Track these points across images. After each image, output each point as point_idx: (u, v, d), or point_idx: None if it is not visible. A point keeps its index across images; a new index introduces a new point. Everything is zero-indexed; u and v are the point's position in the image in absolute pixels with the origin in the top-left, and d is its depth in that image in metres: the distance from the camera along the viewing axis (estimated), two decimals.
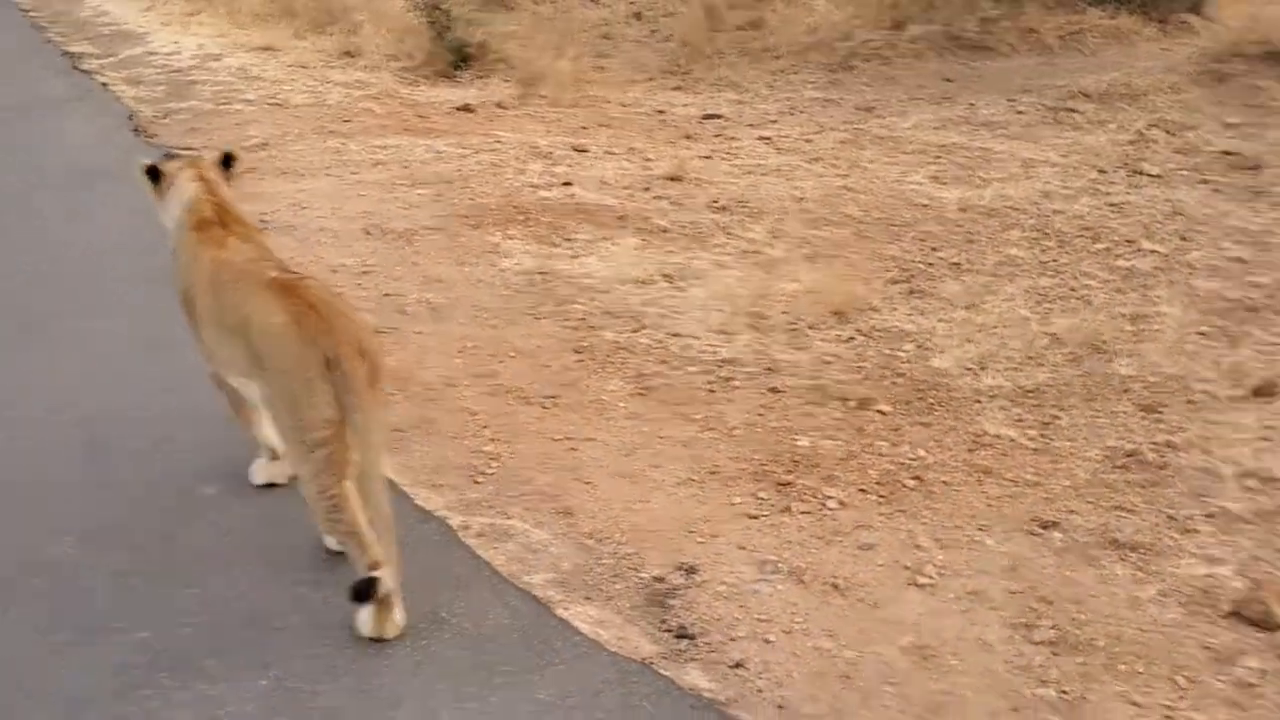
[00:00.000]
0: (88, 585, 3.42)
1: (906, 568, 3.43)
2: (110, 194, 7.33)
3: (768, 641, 3.12)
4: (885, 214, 6.60)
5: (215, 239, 3.55)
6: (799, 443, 4.17)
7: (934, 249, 6.04)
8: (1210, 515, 3.64)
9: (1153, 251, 5.83)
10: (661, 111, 9.32)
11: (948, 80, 9.63)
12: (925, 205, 6.71)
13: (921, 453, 4.09)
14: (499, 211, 6.70)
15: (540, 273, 5.79)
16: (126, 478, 4.01)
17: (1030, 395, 4.47)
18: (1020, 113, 8.52)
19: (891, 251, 6.04)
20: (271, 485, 3.90)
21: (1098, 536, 3.55)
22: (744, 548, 3.55)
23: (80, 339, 5.15)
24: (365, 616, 3.12)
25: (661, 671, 3.00)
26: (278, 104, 9.78)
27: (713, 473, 3.99)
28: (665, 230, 6.39)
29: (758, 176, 7.38)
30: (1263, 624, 3.13)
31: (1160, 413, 4.28)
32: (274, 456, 3.86)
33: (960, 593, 3.31)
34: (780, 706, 2.88)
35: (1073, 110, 8.39)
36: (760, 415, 4.39)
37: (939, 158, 7.64)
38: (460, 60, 10.87)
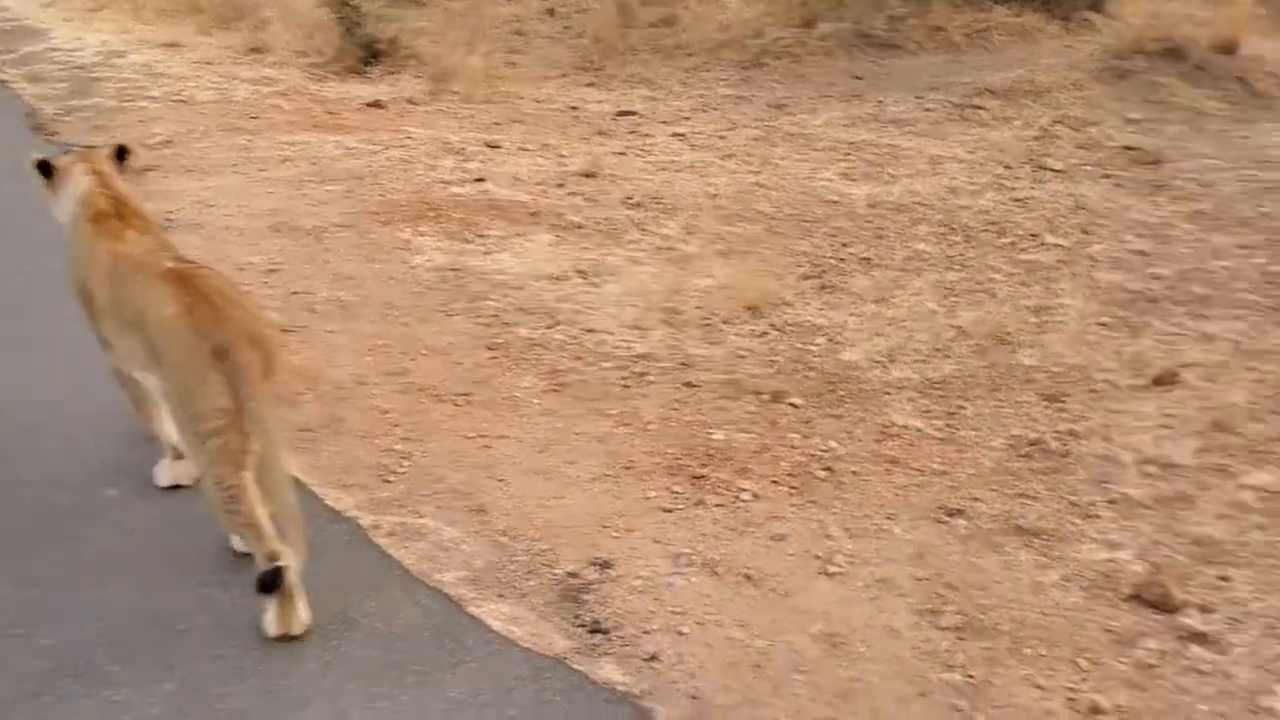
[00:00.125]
0: None
1: (817, 557, 3.47)
2: (8, 195, 7.11)
3: (681, 634, 3.14)
4: (797, 210, 6.66)
5: (112, 231, 3.49)
6: (713, 436, 4.19)
7: (844, 245, 6.11)
8: (1111, 501, 3.73)
9: (1056, 245, 5.96)
10: (575, 108, 9.30)
11: (857, 78, 9.74)
12: (836, 202, 6.79)
13: (832, 444, 4.14)
14: (410, 208, 6.64)
15: (452, 269, 5.74)
16: (29, 479, 3.90)
17: (937, 386, 4.55)
18: (928, 110, 8.65)
19: (803, 247, 6.10)
20: (177, 486, 3.82)
21: (1002, 523, 3.62)
22: (658, 541, 3.56)
23: None
24: (270, 616, 3.08)
25: (575, 666, 3.00)
26: (183, 101, 9.57)
27: (627, 468, 4.00)
28: (579, 226, 6.38)
29: (672, 173, 7.40)
30: (1162, 606, 3.21)
31: (1063, 402, 4.38)
32: (178, 457, 3.78)
33: (869, 581, 3.35)
34: (693, 697, 2.90)
35: (979, 107, 8.55)
36: (675, 410, 4.40)
37: (849, 155, 7.73)
38: (371, 56, 10.73)
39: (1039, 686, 2.93)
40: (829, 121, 8.58)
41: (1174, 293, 5.34)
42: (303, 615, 3.10)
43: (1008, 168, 7.25)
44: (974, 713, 2.85)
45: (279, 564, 3.02)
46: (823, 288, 5.56)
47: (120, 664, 3.01)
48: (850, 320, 5.17)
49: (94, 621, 3.18)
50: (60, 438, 4.16)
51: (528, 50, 11.20)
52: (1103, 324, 5.04)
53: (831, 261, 5.88)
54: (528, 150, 7.94)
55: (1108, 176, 7.03)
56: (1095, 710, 2.84)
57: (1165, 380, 4.49)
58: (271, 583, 3.03)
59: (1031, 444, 4.09)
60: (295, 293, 5.44)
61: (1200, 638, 3.09)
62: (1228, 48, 8.75)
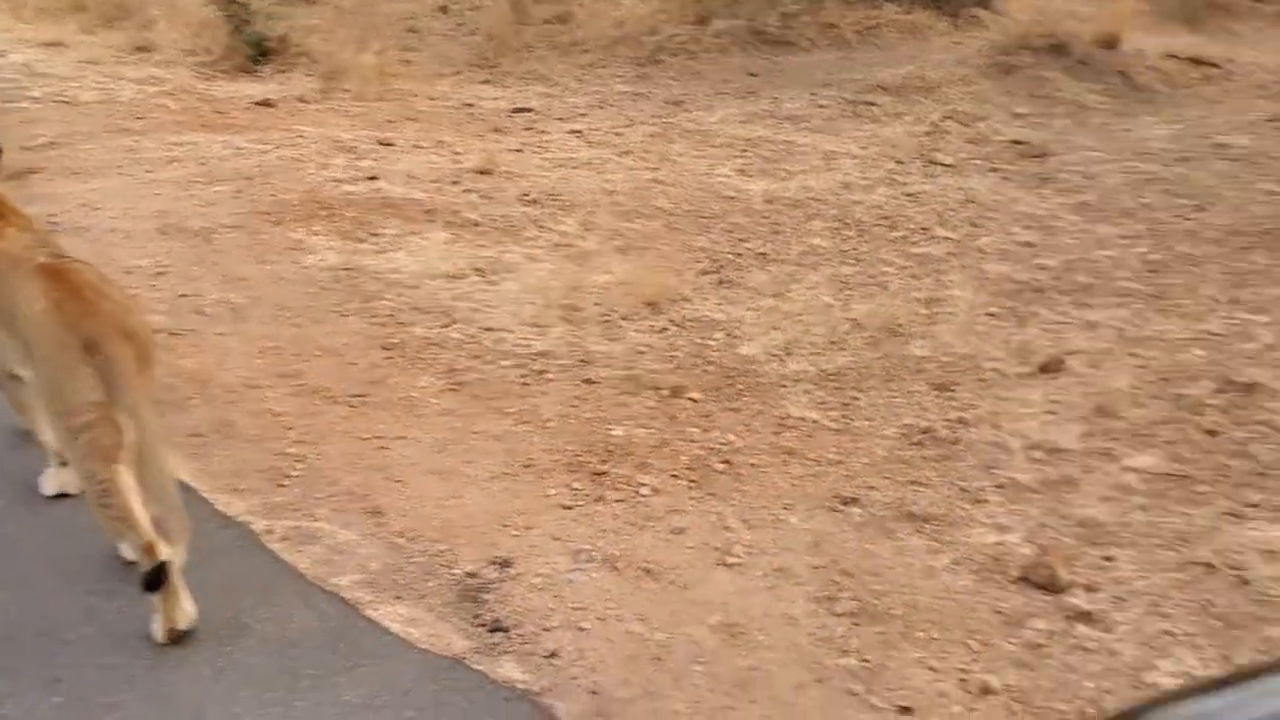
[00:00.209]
0: None
1: (716, 549, 3.50)
2: None
3: (582, 629, 3.14)
4: (694, 206, 6.70)
5: None
6: (613, 432, 4.20)
7: (742, 240, 6.17)
8: (1000, 486, 3.82)
9: (946, 238, 6.08)
10: (470, 105, 9.24)
11: (752, 75, 9.83)
12: (733, 197, 6.84)
13: (731, 437, 4.17)
14: (302, 207, 6.53)
15: (346, 269, 5.66)
16: None
17: (832, 378, 4.61)
18: (822, 106, 8.76)
19: (701, 243, 6.14)
20: (63, 495, 3.71)
21: (895, 510, 3.69)
22: (558, 538, 3.56)
23: None
24: (158, 623, 3.02)
25: (474, 666, 2.98)
26: (66, 101, 9.28)
27: (527, 466, 3.99)
28: (476, 224, 6.34)
29: (569, 169, 7.39)
30: (1049, 587, 3.30)
31: (953, 391, 4.48)
32: (64, 464, 3.68)
33: (767, 570, 3.39)
34: (594, 692, 2.90)
35: (871, 103, 8.69)
36: (574, 406, 4.40)
37: (745, 151, 7.80)
38: (260, 55, 10.53)
39: (932, 668, 2.99)
40: (725, 118, 8.65)
41: (1059, 282, 5.48)
42: (188, 609, 3.05)
43: (899, 163, 7.38)
44: (869, 696, 2.90)
45: (161, 559, 2.97)
46: (721, 283, 5.60)
47: (5, 677, 2.92)
48: (748, 315, 5.22)
49: None
50: None
51: (422, 47, 11.09)
52: (991, 314, 5.16)
53: (729, 257, 5.93)
54: (422, 148, 7.86)
55: (996, 170, 7.19)
56: (986, 690, 2.91)
57: (1051, 368, 4.61)
58: (156, 580, 2.97)
59: (923, 432, 4.17)
60: (184, 295, 5.31)
61: (1086, 616, 3.18)
62: (1110, 43, 9.01)
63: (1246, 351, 4.65)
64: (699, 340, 4.98)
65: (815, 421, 4.28)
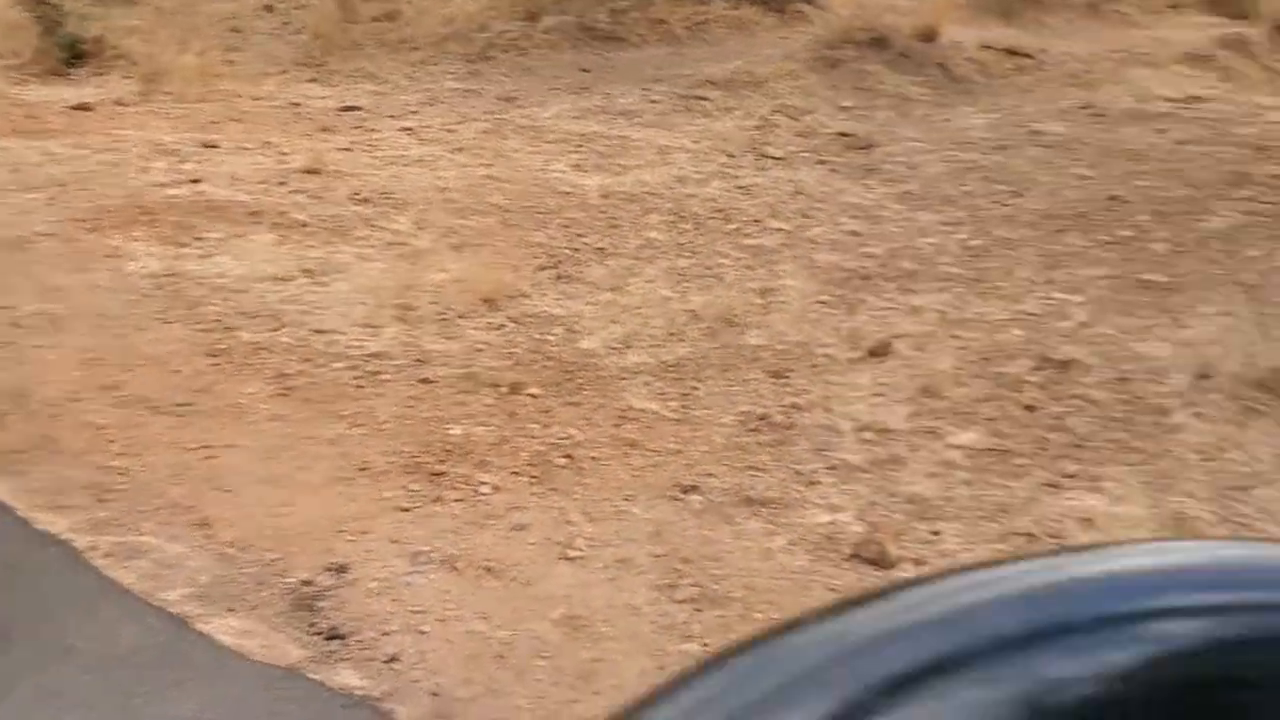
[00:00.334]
0: None
1: (558, 543, 3.50)
2: None
3: (422, 632, 3.10)
4: (530, 202, 6.67)
5: None
6: (451, 432, 4.16)
7: (579, 235, 6.17)
8: (832, 468, 3.92)
9: (778, 229, 6.20)
10: (297, 104, 9.01)
11: (584, 70, 9.84)
12: (569, 193, 6.84)
13: (572, 431, 4.17)
14: (121, 213, 6.26)
15: (168, 275, 5.46)
16: None
17: (671, 369, 4.66)
18: (654, 101, 8.82)
19: (538, 239, 6.12)
20: None
21: (733, 496, 3.74)
22: (396, 541, 3.50)
23: None
24: None
25: (311, 675, 2.92)
26: None
27: (362, 469, 3.91)
28: (304, 224, 6.19)
29: (400, 168, 7.27)
30: (879, 563, 3.40)
31: (787, 377, 4.57)
32: None
33: (609, 562, 3.41)
34: (434, 694, 2.87)
35: (702, 98, 8.78)
36: (411, 407, 4.34)
37: (580, 146, 7.80)
38: (74, 57, 10.05)
39: None
40: (559, 114, 8.63)
41: (885, 269, 5.64)
42: None
43: (731, 156, 7.48)
44: None
45: None
46: (559, 278, 5.60)
47: None
48: (587, 309, 5.23)
49: None
50: None
51: (245, 47, 10.76)
52: (822, 302, 5.28)
53: (566, 252, 5.92)
54: (247, 149, 7.63)
55: (823, 162, 7.35)
56: None
57: (879, 352, 4.74)
58: None
59: (759, 419, 4.24)
60: None
61: None
62: (929, 36, 9.29)
63: (1062, 330, 4.87)
64: (538, 336, 4.96)
65: (655, 412, 4.32)
